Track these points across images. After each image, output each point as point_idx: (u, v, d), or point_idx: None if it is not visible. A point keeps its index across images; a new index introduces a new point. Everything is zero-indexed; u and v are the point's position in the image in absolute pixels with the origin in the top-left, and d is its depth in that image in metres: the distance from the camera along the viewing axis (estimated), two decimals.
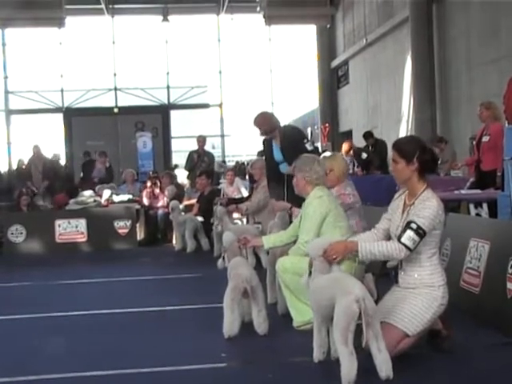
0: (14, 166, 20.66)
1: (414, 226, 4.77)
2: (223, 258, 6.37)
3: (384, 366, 4.42)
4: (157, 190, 14.65)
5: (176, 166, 21.57)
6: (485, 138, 10.19)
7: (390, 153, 5.24)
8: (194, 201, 13.30)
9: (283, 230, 6.97)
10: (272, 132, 8.41)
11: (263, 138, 8.69)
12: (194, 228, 12.36)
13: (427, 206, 4.86)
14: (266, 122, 8.48)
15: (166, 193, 14.50)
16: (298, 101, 29.08)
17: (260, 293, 5.94)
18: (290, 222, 7.32)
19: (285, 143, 8.29)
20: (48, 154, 18.41)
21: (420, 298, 4.88)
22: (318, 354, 4.92)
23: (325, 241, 5.14)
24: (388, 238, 5.19)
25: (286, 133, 8.43)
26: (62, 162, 20.80)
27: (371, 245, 4.90)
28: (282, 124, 8.75)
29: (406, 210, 5.00)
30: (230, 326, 5.81)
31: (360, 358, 4.40)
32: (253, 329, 5.88)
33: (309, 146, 8.12)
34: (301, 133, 8.78)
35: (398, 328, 4.83)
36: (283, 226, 7.40)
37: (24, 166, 18.19)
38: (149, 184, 14.83)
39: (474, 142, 10.95)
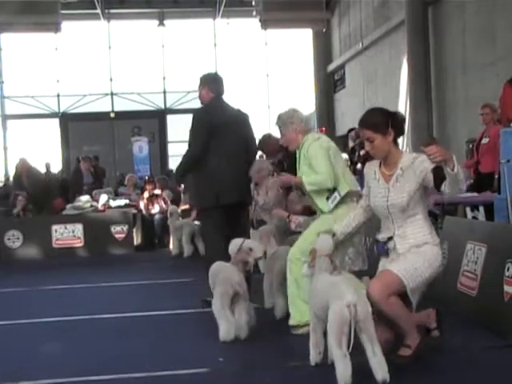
0: (10, 171, 20.62)
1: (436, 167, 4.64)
2: None
3: (380, 369, 4.43)
4: (157, 191, 14.62)
5: (172, 172, 21.50)
6: (484, 140, 10.23)
7: None
8: None
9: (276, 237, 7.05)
10: (275, 153, 8.63)
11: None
12: (191, 233, 12.34)
13: (423, 161, 4.77)
14: (264, 146, 8.82)
15: (165, 195, 14.51)
16: (294, 105, 29.03)
17: (245, 298, 5.92)
18: (290, 230, 7.35)
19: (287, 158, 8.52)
20: (39, 160, 18.28)
21: (422, 256, 4.84)
22: (314, 355, 4.95)
23: (331, 240, 5.11)
24: (369, 213, 5.20)
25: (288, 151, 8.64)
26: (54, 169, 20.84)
27: (461, 170, 4.57)
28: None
29: (393, 178, 4.90)
30: (227, 333, 5.81)
31: (358, 362, 4.40)
32: (250, 333, 5.88)
33: None
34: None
35: (395, 274, 4.77)
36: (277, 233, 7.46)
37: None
38: (146, 193, 14.72)
39: (473, 145, 10.99)
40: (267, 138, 9.21)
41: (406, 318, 4.93)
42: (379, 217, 5.10)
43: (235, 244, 6.30)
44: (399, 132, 4.98)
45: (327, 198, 5.95)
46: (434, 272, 4.89)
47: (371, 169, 5.11)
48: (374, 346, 4.45)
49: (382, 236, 5.05)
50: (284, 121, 6.32)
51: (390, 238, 4.97)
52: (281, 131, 6.40)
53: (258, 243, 6.49)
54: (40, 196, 15.73)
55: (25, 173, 16.87)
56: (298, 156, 6.30)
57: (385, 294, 4.73)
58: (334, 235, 5.19)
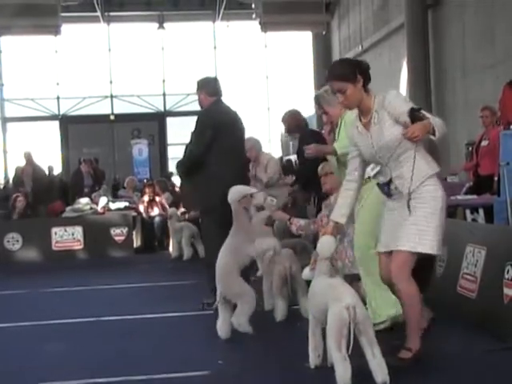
0: (10, 174, 20.64)
1: (411, 109, 4.67)
2: None
3: (379, 371, 4.43)
4: (157, 198, 14.64)
5: (171, 174, 21.50)
6: (484, 143, 10.25)
7: None
8: None
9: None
10: (294, 131, 8.77)
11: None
12: (190, 235, 12.34)
13: (392, 100, 4.86)
14: (288, 121, 9.17)
15: (164, 200, 14.52)
16: (294, 107, 29.09)
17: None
18: (290, 233, 7.37)
19: (299, 145, 8.67)
20: (41, 162, 18.34)
21: (423, 207, 4.83)
22: (313, 358, 4.95)
23: (333, 242, 5.04)
24: (363, 175, 5.16)
25: (302, 136, 8.69)
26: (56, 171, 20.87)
27: (438, 121, 4.65)
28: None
29: (371, 123, 4.93)
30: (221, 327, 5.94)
31: (360, 364, 4.41)
32: (250, 335, 5.90)
33: None
34: (314, 138, 8.90)
35: (407, 252, 4.82)
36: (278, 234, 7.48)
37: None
38: (146, 197, 14.73)
39: (472, 147, 11.00)
40: (289, 115, 9.33)
41: (417, 312, 4.95)
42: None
43: (235, 191, 6.29)
44: (367, 78, 5.05)
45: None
46: (441, 212, 4.88)
47: (353, 126, 5.11)
48: (373, 348, 4.46)
49: (380, 179, 5.04)
50: (328, 99, 6.32)
51: (390, 181, 4.95)
52: (324, 109, 6.42)
53: (258, 190, 6.47)
54: (43, 190, 15.83)
55: (30, 165, 17.01)
56: (339, 125, 6.30)
57: (405, 273, 4.82)
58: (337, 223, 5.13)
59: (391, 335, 5.40)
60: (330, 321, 4.46)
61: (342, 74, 4.97)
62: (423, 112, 4.69)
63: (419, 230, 4.81)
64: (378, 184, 5.10)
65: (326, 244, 5.00)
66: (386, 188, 4.97)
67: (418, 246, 4.82)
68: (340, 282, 4.89)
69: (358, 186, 5.15)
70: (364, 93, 4.98)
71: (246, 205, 6.22)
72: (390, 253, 4.95)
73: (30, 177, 16.92)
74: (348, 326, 4.37)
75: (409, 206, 4.84)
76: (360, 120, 5.04)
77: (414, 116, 4.67)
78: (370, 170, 5.30)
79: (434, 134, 4.57)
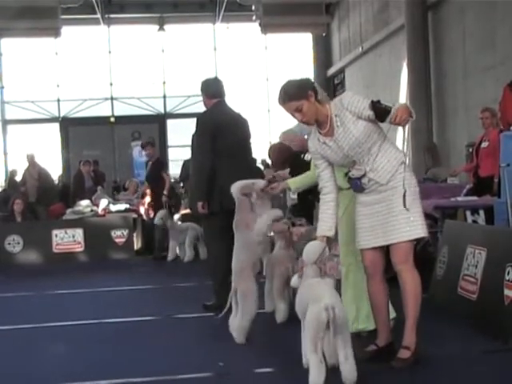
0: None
1: (372, 102, 4.78)
2: None
3: (349, 375, 4.36)
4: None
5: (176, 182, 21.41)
6: (484, 144, 10.24)
7: None
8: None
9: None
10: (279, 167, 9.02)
11: None
12: (195, 236, 12.31)
13: (350, 99, 4.94)
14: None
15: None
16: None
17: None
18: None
19: None
20: (43, 163, 18.37)
21: (406, 199, 4.92)
22: (306, 360, 4.91)
23: (319, 246, 5.00)
24: (336, 184, 5.18)
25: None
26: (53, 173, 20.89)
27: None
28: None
29: (334, 128, 4.99)
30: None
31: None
32: (251, 337, 5.90)
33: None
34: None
35: (405, 242, 4.95)
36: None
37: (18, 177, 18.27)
38: (148, 198, 14.74)
39: (473, 148, 11.00)
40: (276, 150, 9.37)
41: (418, 305, 5.00)
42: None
43: (237, 185, 6.30)
44: (316, 91, 5.10)
45: None
46: (419, 196, 5.03)
47: (314, 141, 5.16)
48: (347, 350, 4.38)
49: (352, 173, 5.06)
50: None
51: (363, 175, 4.99)
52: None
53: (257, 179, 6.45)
54: (47, 192, 15.85)
55: (34, 167, 17.05)
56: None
57: (410, 262, 4.98)
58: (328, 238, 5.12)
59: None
60: (308, 322, 4.40)
61: (293, 94, 5.11)
62: (384, 103, 4.76)
63: (407, 217, 4.92)
64: (349, 179, 5.10)
65: (310, 249, 4.95)
66: (358, 182, 5.02)
67: (412, 233, 4.95)
68: (320, 281, 4.76)
69: (335, 196, 5.17)
70: (318, 105, 5.05)
71: (247, 191, 6.21)
72: (376, 247, 5.05)
73: (36, 179, 16.95)
74: (325, 327, 4.30)
75: (404, 198, 4.91)
76: (319, 133, 5.10)
77: (377, 108, 4.75)
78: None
79: (411, 116, 4.68)
